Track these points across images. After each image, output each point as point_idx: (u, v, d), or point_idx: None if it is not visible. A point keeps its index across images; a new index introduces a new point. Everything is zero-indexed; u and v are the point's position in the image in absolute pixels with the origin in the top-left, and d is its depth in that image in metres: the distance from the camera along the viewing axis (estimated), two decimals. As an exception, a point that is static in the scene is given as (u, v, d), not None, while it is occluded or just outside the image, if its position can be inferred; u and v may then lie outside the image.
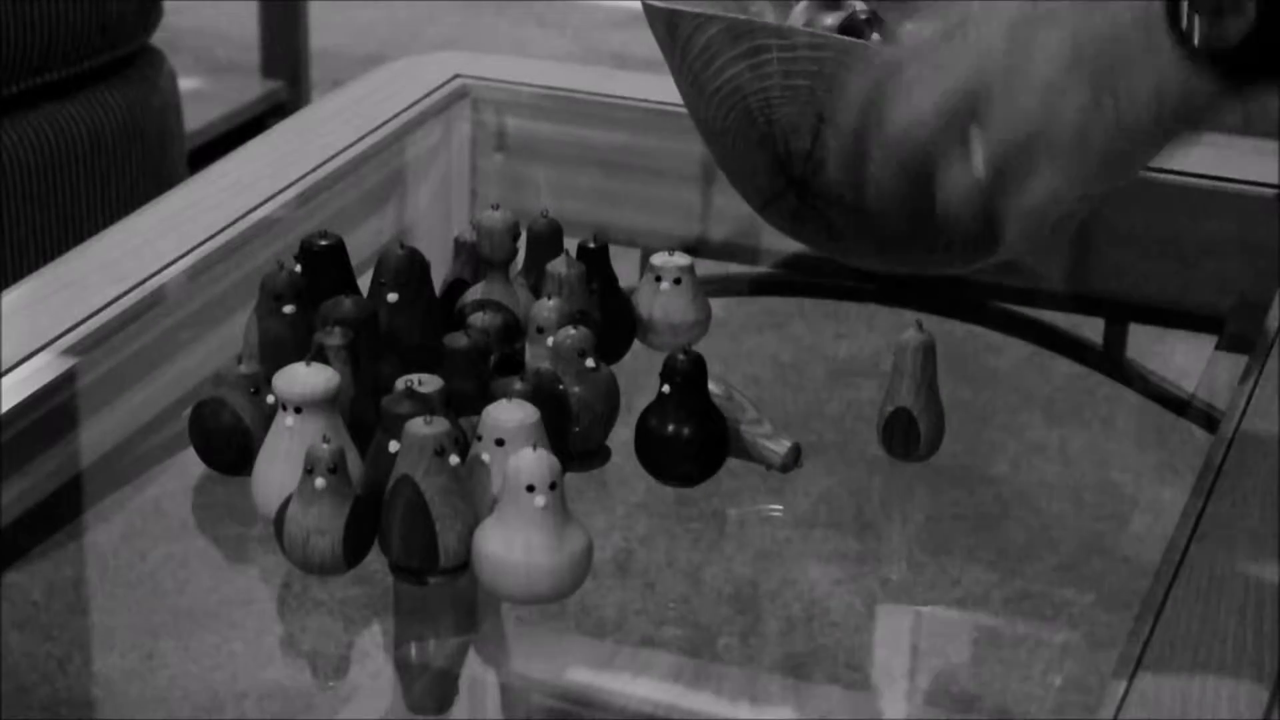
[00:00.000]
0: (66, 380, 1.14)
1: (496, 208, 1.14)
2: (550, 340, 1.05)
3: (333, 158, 1.38)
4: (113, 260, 1.23)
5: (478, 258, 1.14)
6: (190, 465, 1.06)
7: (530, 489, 0.93)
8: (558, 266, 1.10)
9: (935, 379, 1.08)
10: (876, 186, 0.93)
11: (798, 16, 1.24)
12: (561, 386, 1.04)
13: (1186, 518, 0.98)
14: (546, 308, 1.07)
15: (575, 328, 1.05)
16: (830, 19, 1.22)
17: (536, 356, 1.07)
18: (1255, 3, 0.84)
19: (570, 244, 1.14)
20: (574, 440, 1.04)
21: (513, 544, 0.94)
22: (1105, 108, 0.87)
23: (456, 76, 1.51)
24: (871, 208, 0.93)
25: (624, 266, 1.16)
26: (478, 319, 1.08)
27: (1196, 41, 0.85)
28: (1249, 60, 0.85)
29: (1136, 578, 0.99)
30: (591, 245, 1.13)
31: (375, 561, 0.97)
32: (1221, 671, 0.88)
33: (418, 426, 0.95)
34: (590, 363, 1.04)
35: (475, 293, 1.12)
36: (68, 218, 1.91)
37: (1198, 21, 0.85)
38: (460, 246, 1.16)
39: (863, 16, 1.17)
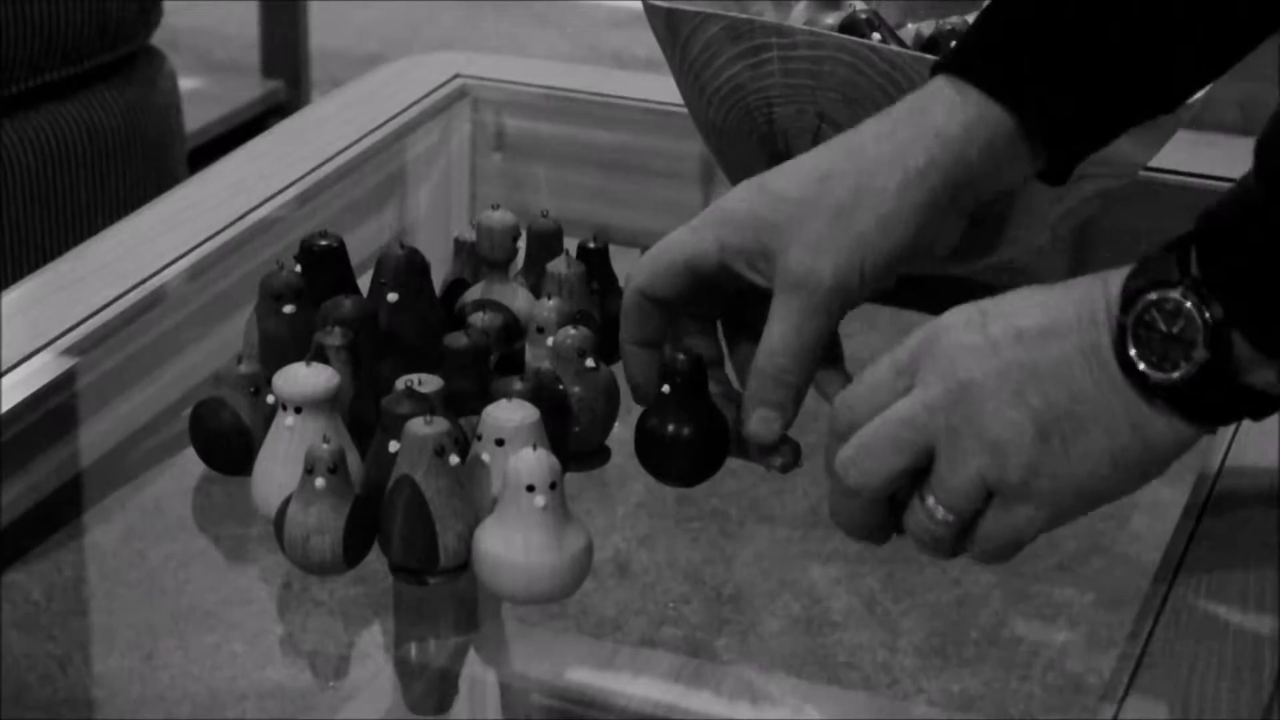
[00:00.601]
0: (66, 380, 1.14)
1: (497, 208, 1.14)
2: (550, 340, 1.05)
3: (333, 158, 1.38)
4: (113, 260, 1.23)
5: (478, 258, 1.14)
6: (190, 465, 1.06)
7: (530, 489, 0.93)
8: (558, 266, 1.10)
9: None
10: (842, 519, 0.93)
11: (798, 16, 1.24)
12: (561, 386, 1.04)
13: (1186, 518, 0.98)
14: (546, 308, 1.07)
15: (575, 328, 1.05)
16: (830, 19, 1.22)
17: (536, 356, 1.07)
18: (1204, 344, 0.82)
19: (570, 244, 1.14)
20: (574, 440, 1.04)
21: (513, 544, 0.94)
22: (1054, 449, 0.85)
23: (456, 76, 1.51)
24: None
25: (624, 266, 1.16)
26: (478, 319, 1.08)
27: (1148, 380, 0.84)
28: (1202, 399, 0.84)
29: (1136, 578, 0.99)
30: (591, 245, 1.13)
31: (375, 561, 0.97)
32: (1221, 671, 0.88)
33: (418, 426, 0.95)
34: (590, 363, 1.04)
35: (475, 293, 1.12)
36: (68, 218, 1.91)
37: (1144, 361, 0.84)
38: (460, 246, 1.16)
39: (863, 16, 1.17)
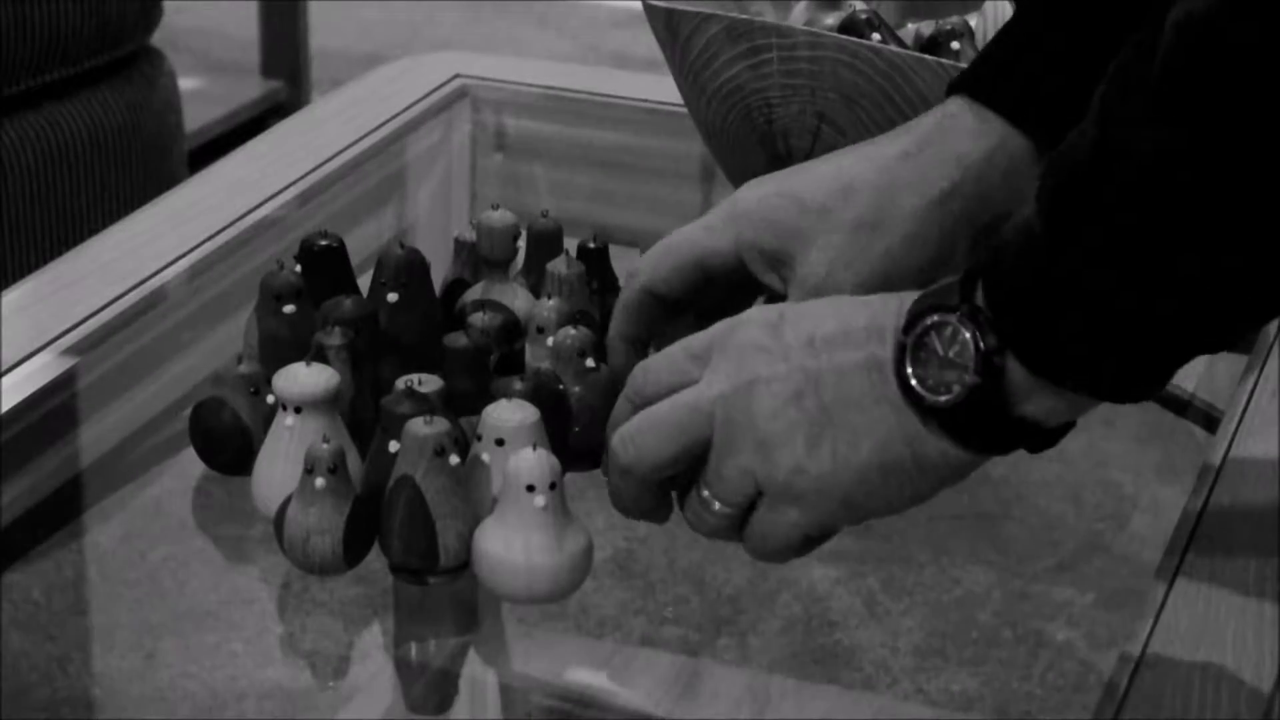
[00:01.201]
0: (66, 380, 1.14)
1: (497, 208, 1.14)
2: (550, 340, 1.05)
3: (333, 158, 1.38)
4: (113, 260, 1.23)
5: (478, 258, 1.14)
6: (190, 465, 1.06)
7: (530, 489, 0.93)
8: (558, 266, 1.10)
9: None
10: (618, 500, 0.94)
11: (798, 16, 1.24)
12: (561, 386, 1.04)
13: (1186, 518, 0.98)
14: (546, 307, 1.07)
15: (575, 328, 1.05)
16: (830, 19, 1.22)
17: (536, 356, 1.06)
18: (975, 370, 0.82)
19: (570, 244, 1.14)
20: (574, 440, 1.04)
21: (513, 544, 0.94)
22: (822, 455, 0.86)
23: (456, 76, 1.51)
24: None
25: (624, 266, 1.16)
26: (478, 319, 1.08)
27: (923, 399, 0.84)
28: (973, 424, 0.84)
29: (1136, 578, 0.99)
30: (591, 245, 1.13)
31: (375, 561, 0.97)
32: (1221, 671, 0.88)
33: (418, 426, 0.95)
34: (590, 363, 1.04)
35: (475, 293, 1.12)
36: (68, 218, 1.91)
37: (920, 380, 0.84)
38: (460, 246, 1.16)
39: (863, 16, 1.17)
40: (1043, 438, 0.85)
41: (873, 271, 0.97)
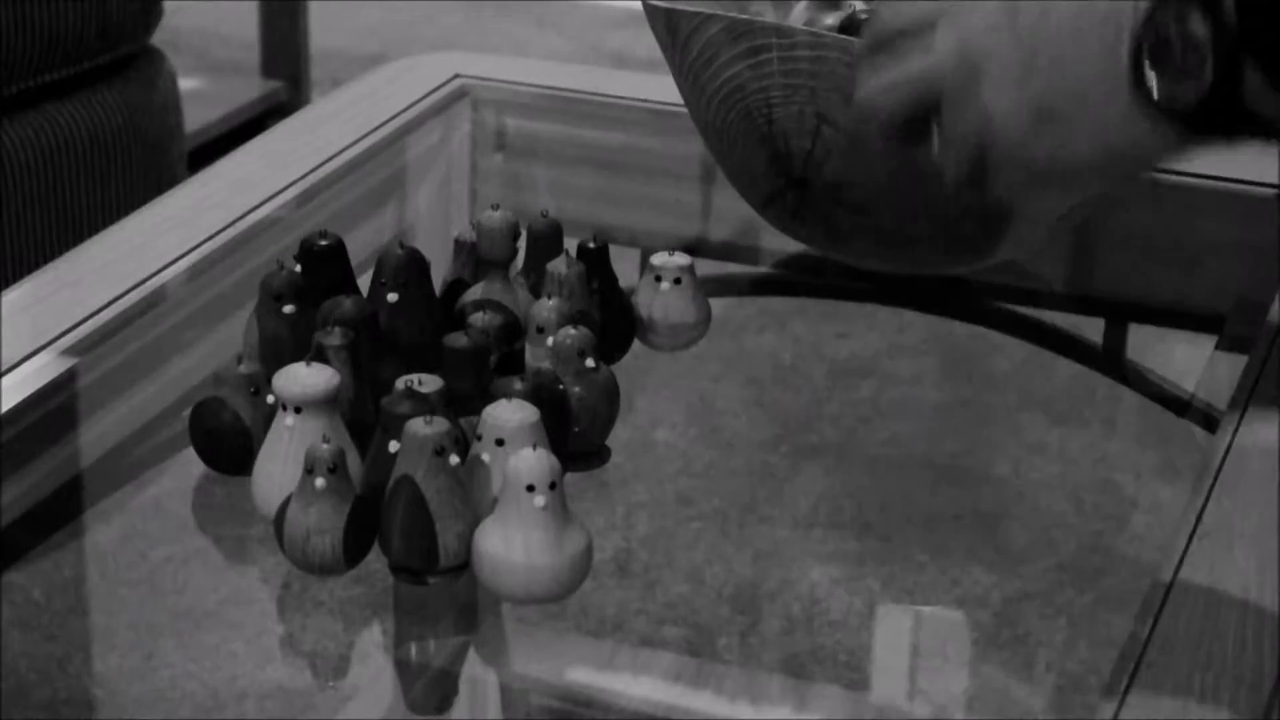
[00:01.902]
0: (66, 380, 1.14)
1: (496, 208, 1.14)
2: (550, 340, 1.05)
3: (333, 158, 1.38)
4: (113, 260, 1.23)
5: (478, 258, 1.14)
6: (190, 465, 1.06)
7: (530, 489, 0.93)
8: (558, 266, 1.10)
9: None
10: (857, 166, 0.95)
11: (798, 16, 1.24)
12: (561, 386, 1.04)
13: (1186, 518, 0.98)
14: (546, 307, 1.07)
15: (575, 328, 1.05)
16: (830, 19, 1.22)
17: (536, 356, 1.07)
18: (1213, 68, 0.83)
19: (570, 244, 1.14)
20: (574, 440, 1.04)
21: (513, 544, 0.94)
22: (1046, 134, 0.87)
23: (456, 76, 1.51)
24: (863, 194, 0.96)
25: (624, 266, 1.16)
26: (478, 319, 1.08)
27: (1155, 95, 0.85)
28: (1202, 119, 0.85)
29: (1136, 578, 0.99)
30: (591, 245, 1.13)
31: (375, 561, 0.97)
32: (1221, 671, 0.88)
33: (418, 426, 0.95)
34: (590, 363, 1.04)
35: (475, 293, 1.12)
36: (68, 218, 1.91)
37: (1156, 78, 0.85)
38: (460, 246, 1.16)
39: (863, 17, 1.17)
40: (1264, 132, 0.86)
41: None
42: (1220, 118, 0.85)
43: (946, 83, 0.90)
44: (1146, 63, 0.85)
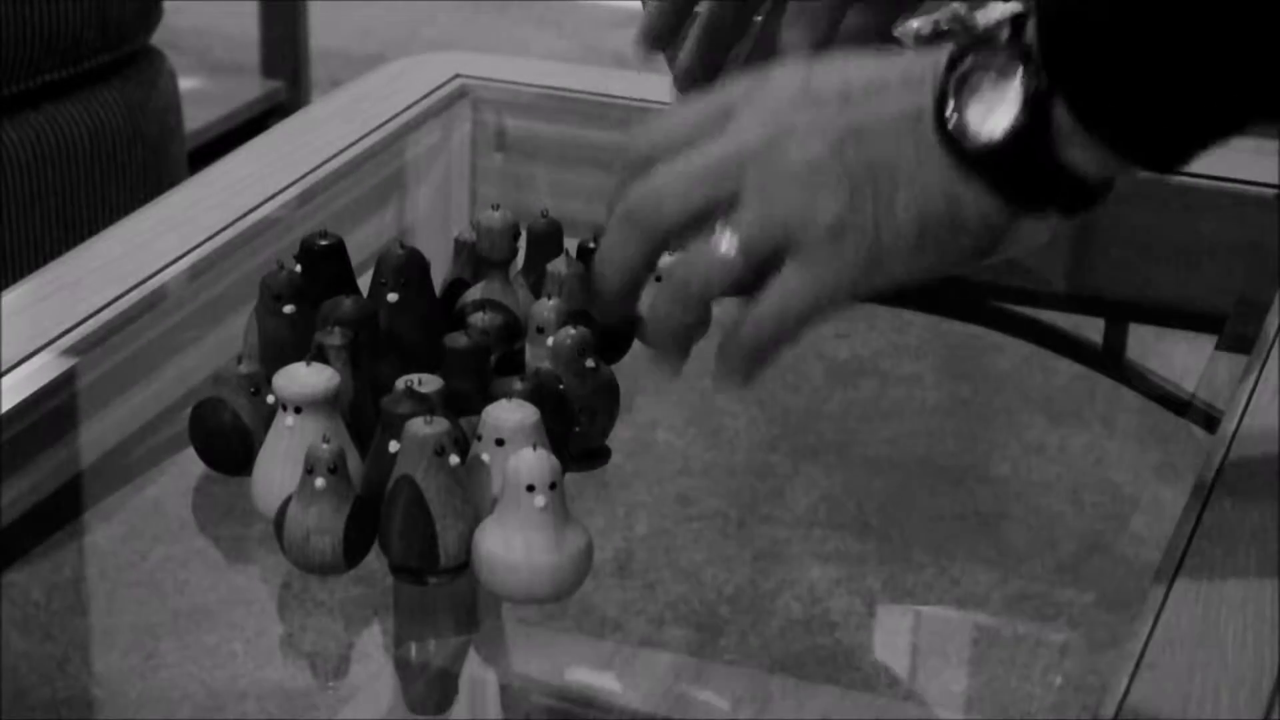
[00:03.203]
0: (66, 380, 1.14)
1: (496, 208, 1.14)
2: (550, 340, 1.05)
3: (333, 158, 1.38)
4: (113, 260, 1.23)
5: (478, 258, 1.14)
6: (190, 465, 1.06)
7: (530, 489, 0.93)
8: (558, 266, 1.10)
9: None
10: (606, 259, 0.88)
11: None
12: (562, 386, 1.04)
13: (1186, 518, 0.98)
14: (546, 307, 1.07)
15: (575, 327, 1.05)
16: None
17: (536, 356, 1.06)
18: (1022, 107, 0.80)
19: (570, 244, 1.14)
20: (574, 440, 1.04)
21: (513, 544, 0.94)
22: (864, 204, 0.82)
23: (456, 76, 1.51)
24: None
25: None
26: (478, 319, 1.08)
27: (965, 146, 0.81)
28: (1016, 172, 0.81)
29: (1136, 578, 0.99)
30: (592, 245, 1.13)
31: (375, 561, 0.97)
32: (1221, 671, 0.88)
33: (418, 426, 0.95)
34: (590, 363, 1.04)
35: (475, 293, 1.12)
36: (68, 218, 1.91)
37: (963, 125, 0.81)
38: (460, 246, 1.16)
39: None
40: (1081, 196, 0.82)
41: None
42: (1030, 168, 0.81)
43: (753, 163, 0.83)
44: (952, 114, 0.81)
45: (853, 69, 0.85)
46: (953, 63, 0.82)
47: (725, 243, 0.83)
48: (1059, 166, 0.81)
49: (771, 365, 0.86)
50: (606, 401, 1.05)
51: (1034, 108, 0.80)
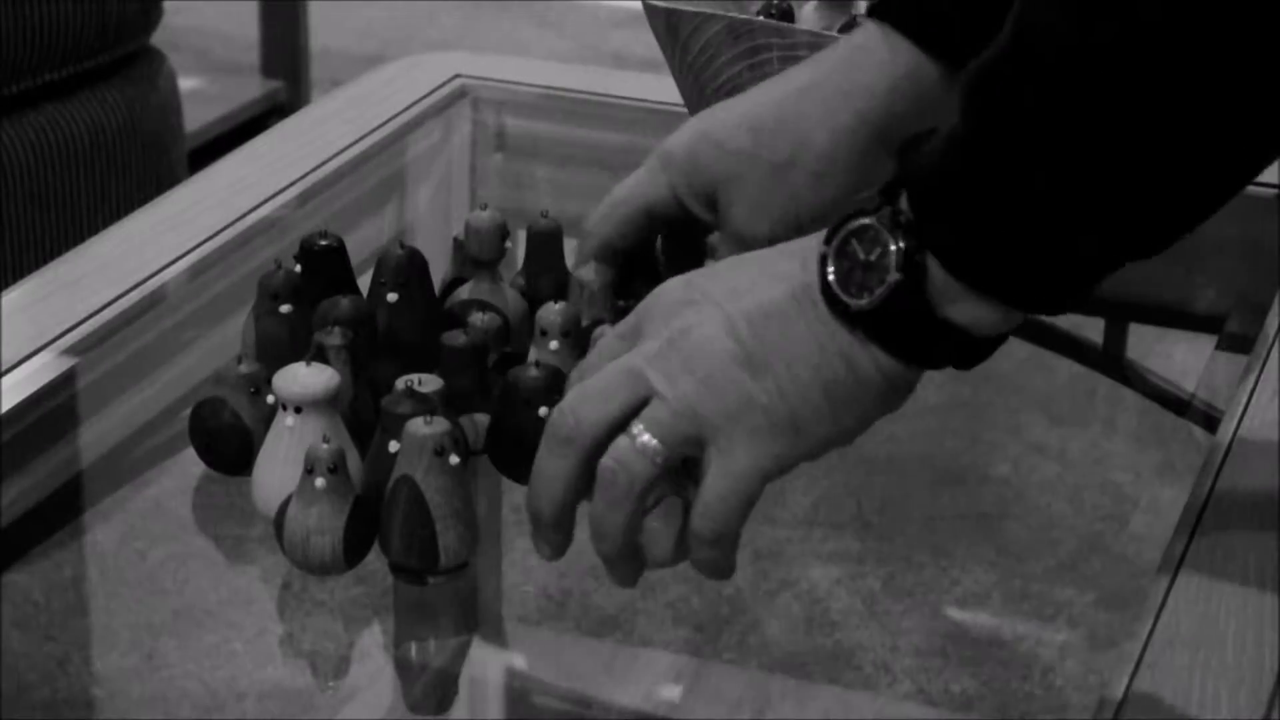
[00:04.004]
0: (66, 380, 1.14)
1: (485, 208, 1.13)
2: (553, 344, 1.05)
3: (333, 158, 1.38)
4: (113, 260, 1.23)
5: (467, 257, 1.14)
6: (190, 465, 1.06)
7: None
8: (586, 274, 1.10)
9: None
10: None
11: (807, 18, 1.24)
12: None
13: (1186, 518, 0.98)
14: (552, 311, 1.07)
15: (610, 325, 1.05)
16: (837, 25, 1.22)
17: (542, 359, 1.06)
18: (896, 268, 0.82)
19: (571, 245, 1.14)
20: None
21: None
22: (767, 385, 0.84)
23: (456, 76, 1.51)
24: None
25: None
26: (477, 319, 1.08)
27: (848, 309, 0.84)
28: (898, 327, 0.83)
29: (1136, 578, 0.99)
30: (543, 219, 1.14)
31: (375, 561, 0.97)
32: (1221, 671, 0.88)
33: (418, 426, 0.95)
34: None
35: (464, 292, 1.12)
36: (68, 218, 1.91)
37: (844, 286, 0.84)
38: (459, 246, 1.16)
39: (861, 22, 1.17)
40: (972, 349, 0.85)
41: (784, 214, 0.99)
42: (913, 325, 0.83)
43: (659, 364, 0.85)
44: (834, 278, 0.84)
45: (737, 267, 0.88)
46: (830, 234, 0.85)
47: (644, 436, 0.85)
48: (940, 321, 0.83)
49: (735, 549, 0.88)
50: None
51: (909, 266, 0.82)
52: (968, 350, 0.85)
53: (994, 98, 0.80)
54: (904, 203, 0.83)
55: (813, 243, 0.86)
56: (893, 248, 0.82)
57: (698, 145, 1.02)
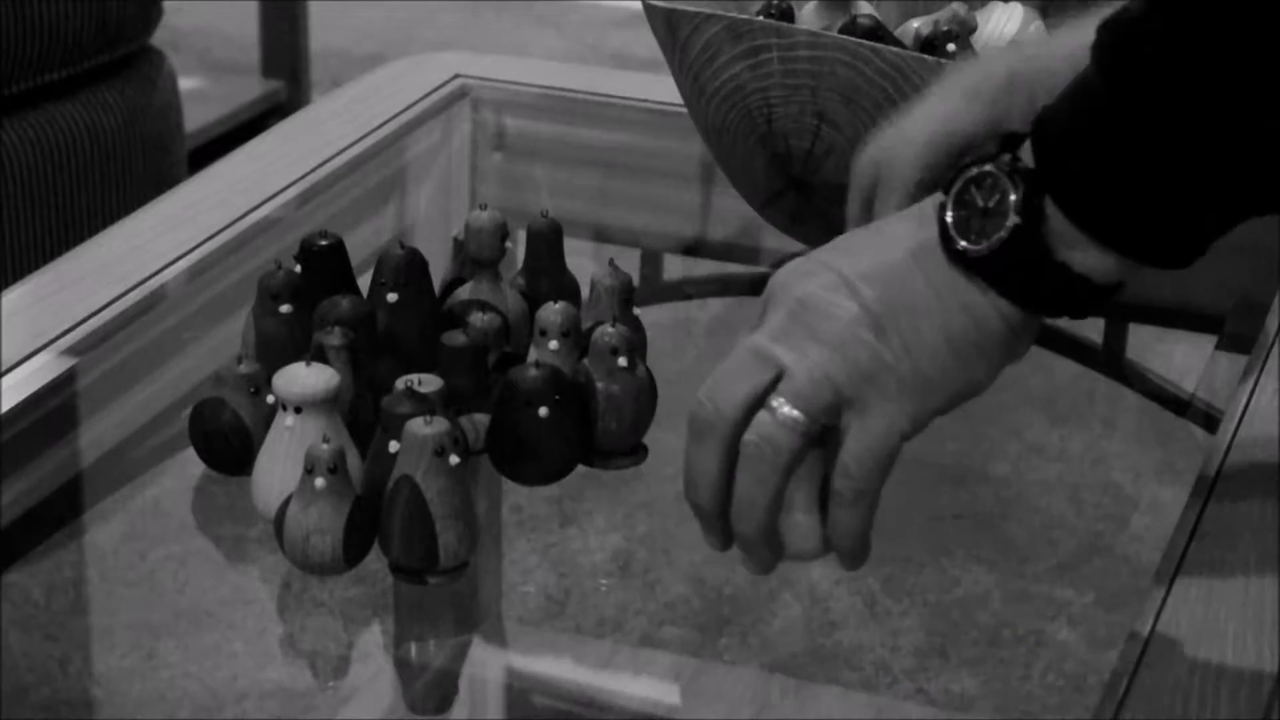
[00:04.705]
0: (66, 380, 1.14)
1: (484, 208, 1.13)
2: (554, 344, 1.05)
3: (333, 158, 1.38)
4: (113, 260, 1.23)
5: (467, 257, 1.14)
6: (190, 465, 1.06)
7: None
8: (603, 277, 1.10)
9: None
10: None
11: (807, 18, 1.24)
12: (585, 380, 1.03)
13: (1186, 518, 0.98)
14: (552, 311, 1.07)
15: (614, 325, 1.05)
16: (837, 25, 1.22)
17: (542, 358, 1.06)
18: (1015, 211, 0.83)
19: (571, 245, 1.14)
20: (600, 437, 1.04)
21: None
22: (892, 343, 0.85)
23: (456, 76, 1.51)
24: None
25: (627, 265, 1.16)
26: (477, 319, 1.08)
27: (966, 255, 0.85)
28: (1016, 272, 0.84)
29: (1136, 578, 0.99)
30: (544, 217, 1.13)
31: (375, 561, 0.97)
32: (1221, 671, 0.88)
33: (418, 426, 0.95)
34: (623, 361, 1.04)
35: (464, 292, 1.12)
36: (68, 218, 1.91)
37: (964, 234, 0.85)
38: (459, 246, 1.16)
39: (866, 24, 1.17)
40: (1092, 296, 0.85)
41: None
42: (1031, 270, 0.84)
43: (785, 339, 0.86)
44: (955, 227, 0.85)
45: (849, 236, 0.90)
46: (949, 184, 0.86)
47: (783, 409, 0.86)
48: (1059, 266, 0.84)
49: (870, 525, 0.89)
50: (635, 401, 1.05)
51: (1028, 211, 0.83)
52: (1084, 298, 0.85)
53: (1129, 46, 0.81)
54: (1023, 151, 0.84)
55: (929, 204, 0.87)
56: (1012, 195, 0.84)
57: (1014, 82, 0.96)
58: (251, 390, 1.03)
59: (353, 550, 0.96)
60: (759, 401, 0.86)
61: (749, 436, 0.86)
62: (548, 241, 1.15)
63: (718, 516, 0.89)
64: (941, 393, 0.87)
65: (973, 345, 0.86)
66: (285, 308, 1.07)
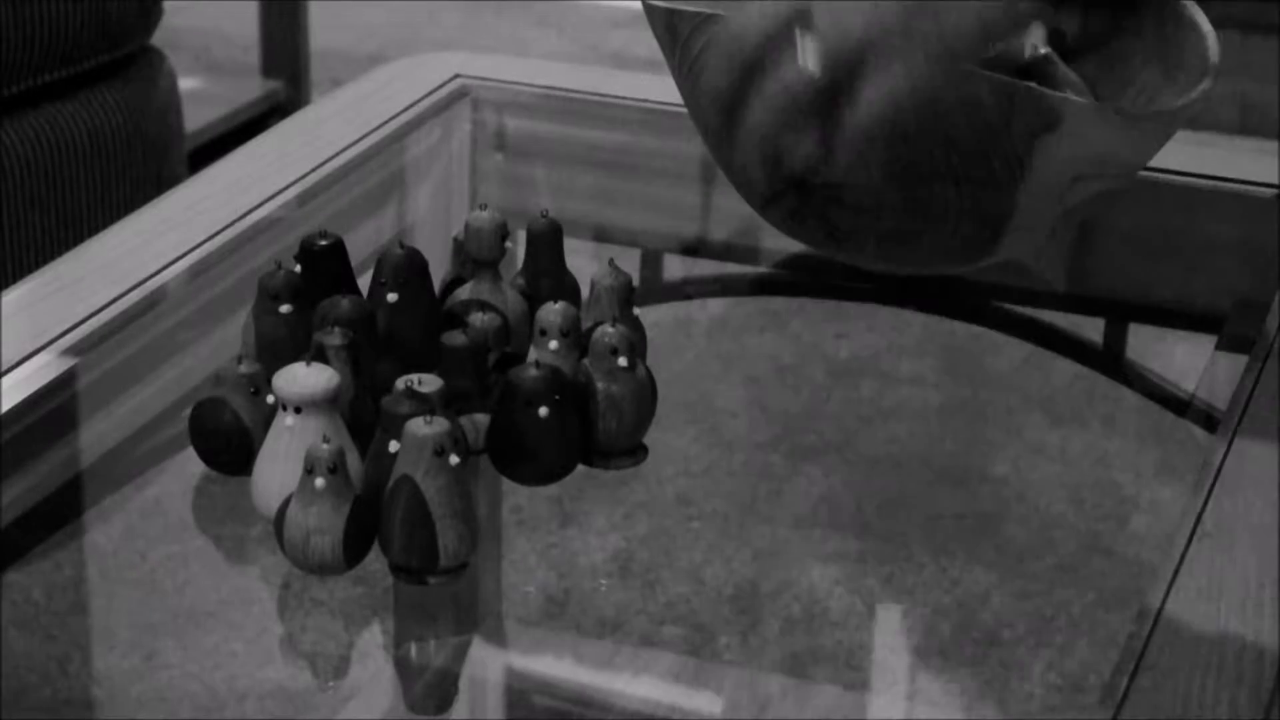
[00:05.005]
0: (66, 380, 1.14)
1: (484, 207, 1.13)
2: (553, 344, 1.05)
3: (333, 158, 1.38)
4: (113, 260, 1.23)
5: (467, 258, 1.14)
6: (190, 465, 1.06)
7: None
8: (604, 278, 1.10)
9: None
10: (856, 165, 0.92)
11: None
12: (583, 380, 1.03)
13: (1186, 518, 0.98)
14: (552, 311, 1.07)
15: (614, 325, 1.05)
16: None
17: (542, 359, 1.06)
18: None
19: (571, 245, 1.14)
20: (599, 436, 1.04)
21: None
22: (924, 10, 0.85)
23: (456, 76, 1.51)
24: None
25: (623, 266, 1.16)
26: (477, 319, 1.08)
27: None
28: None
29: (1136, 578, 0.99)
30: (543, 217, 1.13)
31: (375, 561, 0.97)
32: (1221, 671, 0.88)
33: (418, 426, 0.95)
34: (623, 361, 1.04)
35: (464, 292, 1.12)
36: (68, 218, 1.91)
37: None
38: (459, 246, 1.16)
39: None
40: None
41: None
42: None
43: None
44: None
45: None
46: None
47: (807, 57, 0.89)
48: None
49: None
50: (635, 401, 1.05)
51: None
52: None
53: None
54: None
55: None
56: None
57: None
58: (251, 390, 1.03)
59: (353, 550, 0.96)
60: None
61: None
62: (548, 241, 1.15)
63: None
64: (964, 62, 0.88)
65: (999, 14, 0.88)
66: (285, 308, 1.07)
